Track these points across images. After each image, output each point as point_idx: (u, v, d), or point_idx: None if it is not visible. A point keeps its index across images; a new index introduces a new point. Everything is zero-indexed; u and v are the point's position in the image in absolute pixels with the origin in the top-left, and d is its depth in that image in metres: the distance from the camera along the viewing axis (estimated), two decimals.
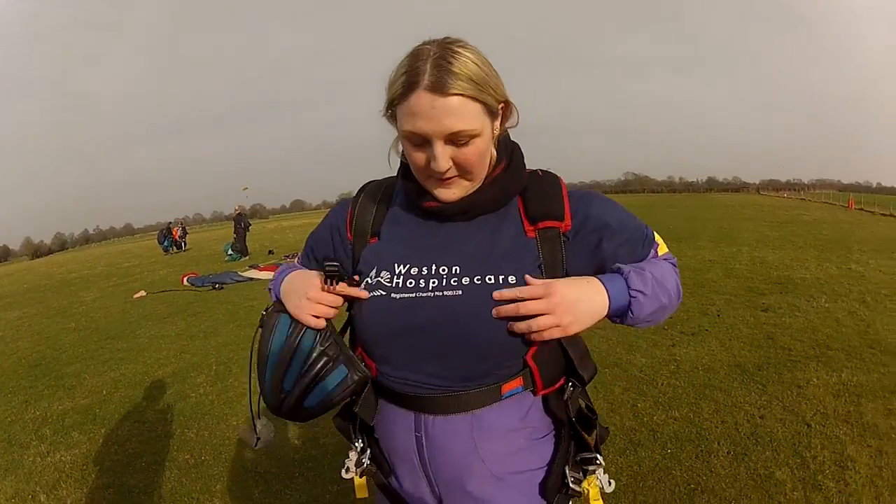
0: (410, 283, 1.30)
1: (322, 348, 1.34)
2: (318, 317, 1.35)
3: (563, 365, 1.38)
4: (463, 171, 1.26)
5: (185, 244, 32.20)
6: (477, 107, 1.19)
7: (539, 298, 1.21)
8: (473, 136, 1.20)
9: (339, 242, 1.48)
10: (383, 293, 1.32)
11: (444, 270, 1.29)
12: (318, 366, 1.33)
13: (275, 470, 3.99)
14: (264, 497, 3.67)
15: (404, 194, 1.43)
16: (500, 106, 1.26)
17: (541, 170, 1.42)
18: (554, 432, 1.44)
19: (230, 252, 21.80)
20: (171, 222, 33.80)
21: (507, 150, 1.36)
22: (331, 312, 1.37)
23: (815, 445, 3.74)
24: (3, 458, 4.66)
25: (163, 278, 17.19)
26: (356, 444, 1.46)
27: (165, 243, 30.65)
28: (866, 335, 5.92)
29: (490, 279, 1.25)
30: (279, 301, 1.44)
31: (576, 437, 1.43)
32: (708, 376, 5.08)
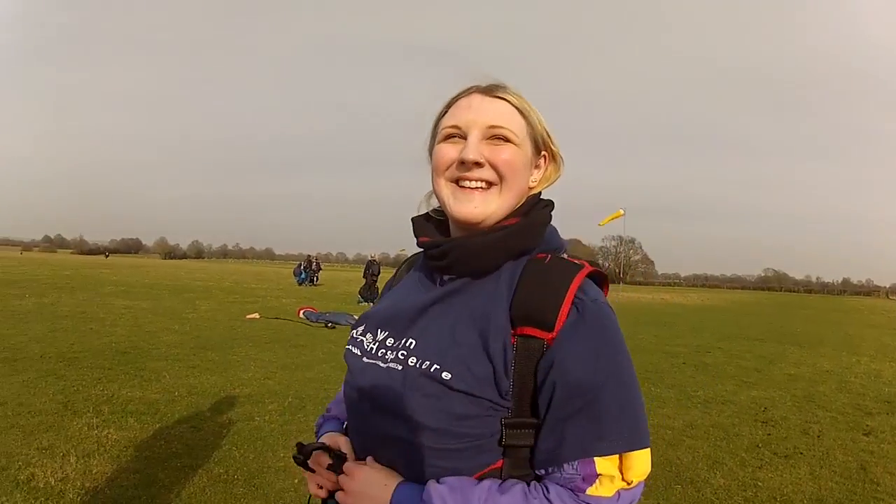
0: (382, 351, 1.25)
1: None
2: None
3: None
4: (491, 174, 1.21)
5: (317, 279, 33.52)
6: (521, 121, 1.25)
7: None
8: (511, 141, 1.22)
9: None
10: (356, 352, 1.32)
11: (403, 342, 1.22)
12: None
13: None
14: None
15: (422, 257, 1.39)
16: (543, 152, 1.31)
17: (573, 257, 1.27)
18: None
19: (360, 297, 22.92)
20: (310, 255, 35.29)
21: (529, 206, 1.29)
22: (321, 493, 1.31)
23: None
24: (52, 417, 5.34)
25: (282, 306, 18.15)
26: None
27: (302, 276, 31.93)
28: None
29: (425, 365, 1.14)
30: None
31: None
32: None
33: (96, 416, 5.36)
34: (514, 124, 1.22)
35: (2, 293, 16.82)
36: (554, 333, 1.10)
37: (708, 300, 42.94)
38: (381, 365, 1.20)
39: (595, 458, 1.06)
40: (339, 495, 1.20)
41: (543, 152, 1.31)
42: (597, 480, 1.06)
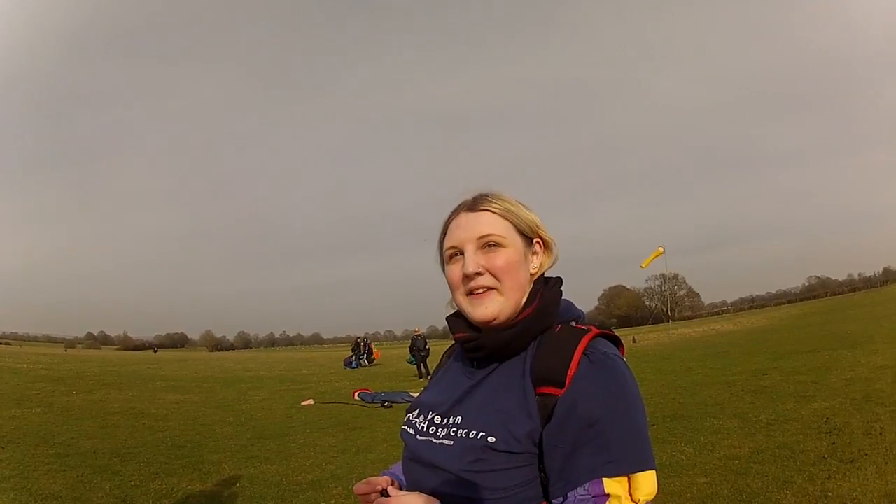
0: (432, 429, 1.44)
1: None
2: None
3: None
4: (494, 279, 1.43)
5: (372, 360, 33.55)
6: (506, 223, 1.47)
7: None
8: (502, 245, 1.45)
9: None
10: (411, 431, 1.51)
11: (451, 420, 1.41)
12: None
13: None
14: None
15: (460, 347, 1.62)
16: (535, 239, 1.52)
17: (585, 323, 1.47)
18: None
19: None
20: (358, 338, 35.45)
21: (538, 291, 1.50)
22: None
23: None
24: None
25: (336, 390, 18.27)
26: None
27: (353, 364, 31.86)
28: None
29: (472, 434, 1.32)
30: None
31: None
32: None
33: None
34: (499, 229, 1.46)
35: (49, 390, 17.11)
36: (565, 388, 1.28)
37: (757, 322, 43.19)
38: (435, 441, 1.40)
39: (604, 479, 1.21)
40: None
41: (536, 240, 1.53)
42: (606, 502, 1.20)
